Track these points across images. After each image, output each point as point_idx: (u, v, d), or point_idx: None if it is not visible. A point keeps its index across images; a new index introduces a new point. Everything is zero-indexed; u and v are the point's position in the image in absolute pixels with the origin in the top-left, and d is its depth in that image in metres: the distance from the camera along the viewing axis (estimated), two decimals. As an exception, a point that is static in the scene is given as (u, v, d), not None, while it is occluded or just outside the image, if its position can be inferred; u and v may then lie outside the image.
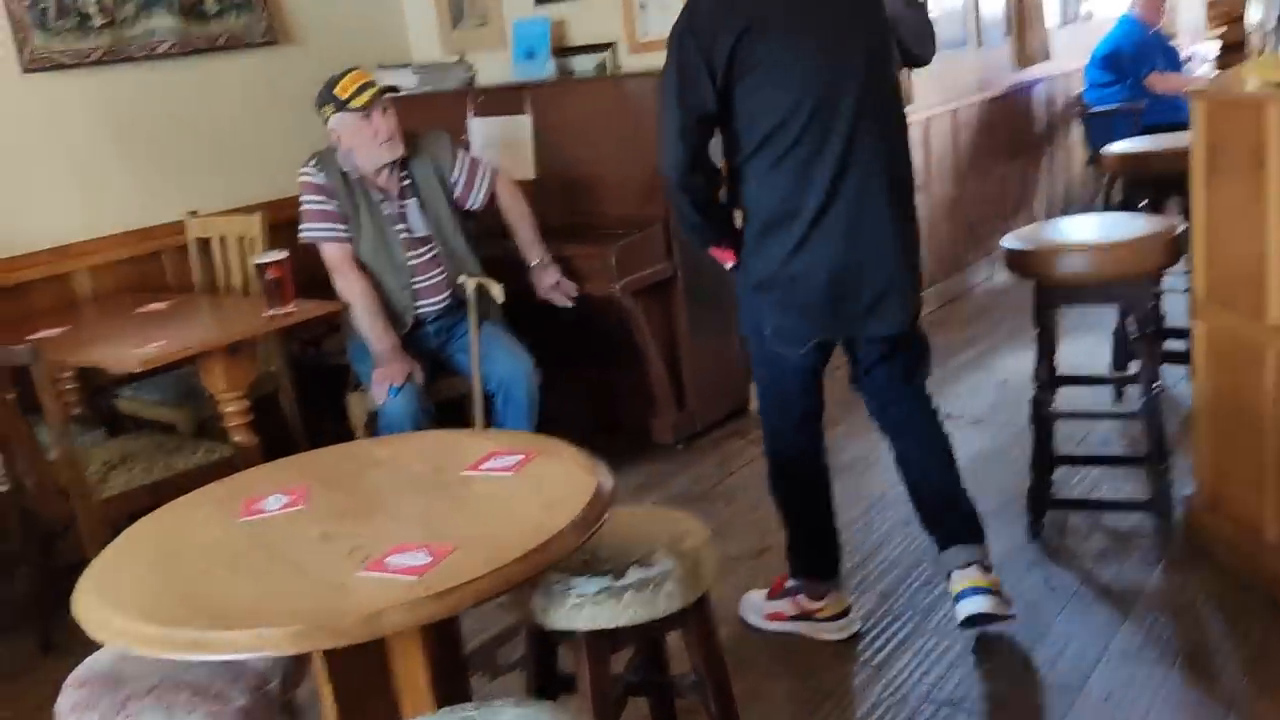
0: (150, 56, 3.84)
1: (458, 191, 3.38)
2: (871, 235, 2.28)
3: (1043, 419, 2.88)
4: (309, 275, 3.36)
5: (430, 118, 4.21)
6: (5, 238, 3.56)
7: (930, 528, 2.62)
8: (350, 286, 3.25)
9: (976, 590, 2.49)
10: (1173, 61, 5.81)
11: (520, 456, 1.84)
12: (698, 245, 2.49)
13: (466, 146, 4.13)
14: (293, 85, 4.20)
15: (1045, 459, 2.96)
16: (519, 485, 1.74)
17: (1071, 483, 3.27)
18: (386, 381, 3.15)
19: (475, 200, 3.40)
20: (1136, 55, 5.63)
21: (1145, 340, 2.77)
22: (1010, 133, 5.88)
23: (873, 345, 2.46)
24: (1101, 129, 5.80)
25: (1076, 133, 6.45)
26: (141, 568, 1.61)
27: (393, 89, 3.33)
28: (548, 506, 1.62)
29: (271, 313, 3.08)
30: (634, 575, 1.83)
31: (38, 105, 3.60)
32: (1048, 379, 2.86)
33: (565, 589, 1.82)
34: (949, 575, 2.56)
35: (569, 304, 3.45)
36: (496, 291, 3.29)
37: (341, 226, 3.26)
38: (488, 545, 1.50)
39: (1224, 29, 8.52)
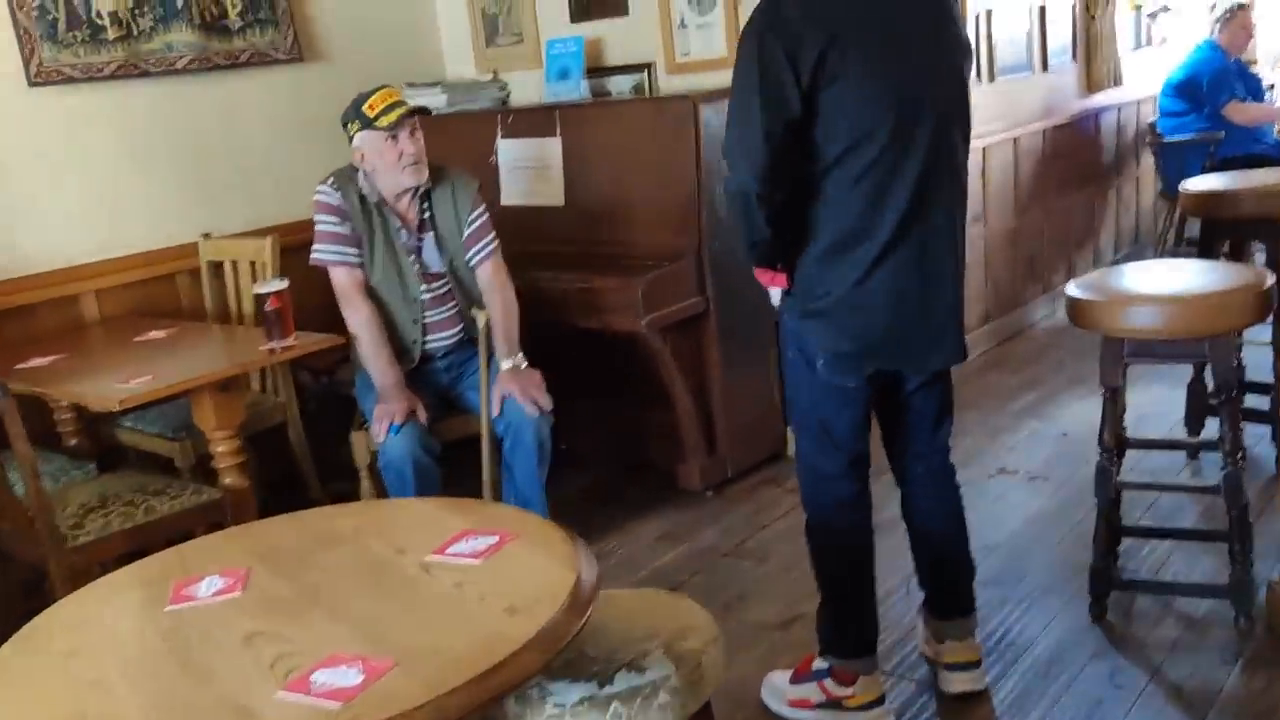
0: (168, 72, 3.68)
1: (465, 236, 3.17)
2: (938, 262, 2.17)
3: (1109, 489, 2.56)
4: (322, 300, 3.17)
5: (458, 138, 4.02)
6: (10, 258, 3.41)
7: (931, 588, 2.52)
8: (357, 315, 3.06)
9: (971, 665, 2.44)
10: (1254, 91, 5.43)
11: (494, 539, 1.60)
12: (752, 263, 2.27)
13: (496, 169, 3.95)
14: (318, 104, 4.04)
15: (1111, 533, 2.65)
16: (485, 578, 1.49)
17: (1139, 557, 2.95)
18: (386, 419, 2.94)
19: (471, 259, 3.17)
20: (1215, 83, 5.27)
21: (1227, 405, 2.45)
22: (1075, 162, 5.54)
23: (916, 379, 2.34)
24: (1175, 160, 5.44)
25: (1147, 164, 6.09)
26: (40, 669, 1.39)
27: (423, 110, 3.13)
28: (512, 611, 1.37)
29: (270, 346, 2.88)
30: (623, 682, 1.58)
31: (45, 120, 3.46)
32: (1115, 445, 2.55)
33: (542, 695, 1.57)
34: (940, 639, 2.48)
35: (537, 414, 2.98)
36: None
37: (354, 251, 3.07)
38: (432, 662, 1.26)
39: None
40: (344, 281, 3.07)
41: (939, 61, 2.14)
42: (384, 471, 3.01)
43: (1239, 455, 2.49)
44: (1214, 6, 5.50)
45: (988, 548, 3.09)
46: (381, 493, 3.17)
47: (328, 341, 2.99)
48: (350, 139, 3.03)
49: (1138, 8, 6.03)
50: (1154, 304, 2.35)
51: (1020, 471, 3.60)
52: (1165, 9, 6.26)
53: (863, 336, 2.18)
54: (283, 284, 2.93)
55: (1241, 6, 5.39)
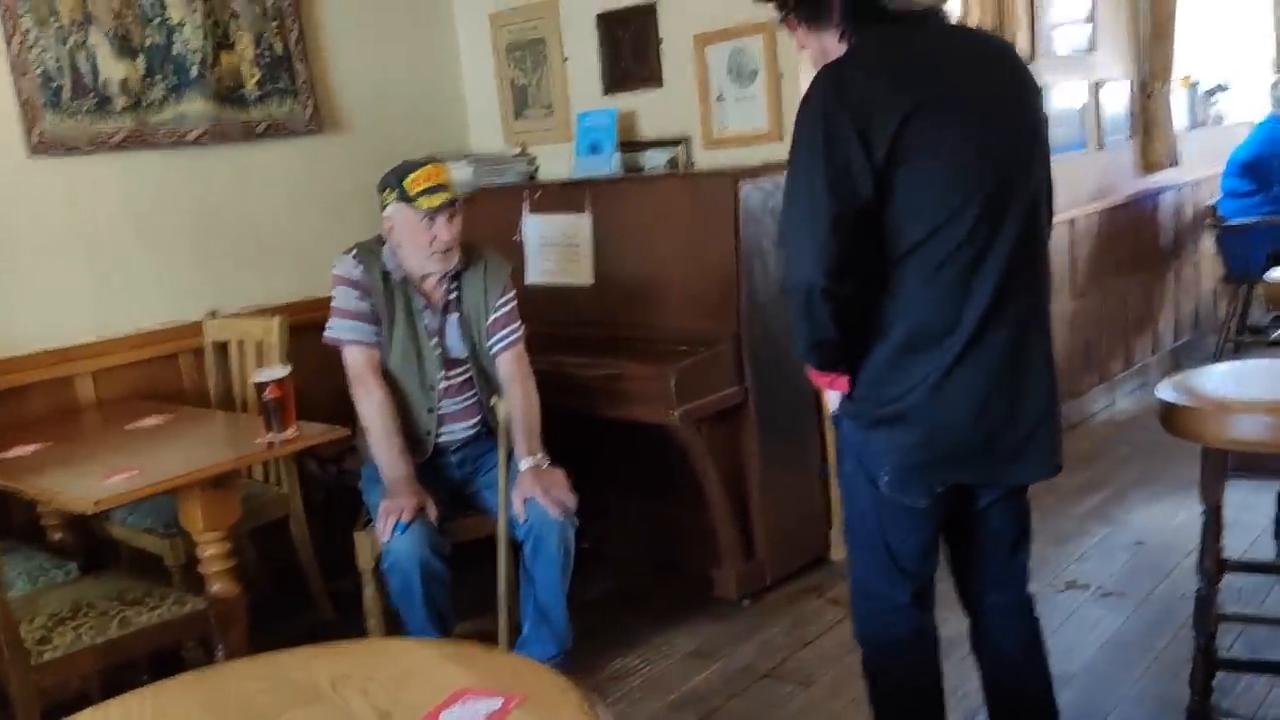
0: (179, 143, 3.49)
1: (490, 321, 2.94)
2: (1029, 358, 1.90)
3: (1209, 622, 2.24)
4: (333, 385, 2.93)
5: (483, 214, 3.81)
6: (2, 336, 3.20)
7: None
8: (370, 398, 2.82)
9: None
10: (1326, 171, 5.15)
11: (497, 703, 1.31)
12: (815, 365, 1.97)
13: (521, 246, 3.73)
14: (337, 176, 3.86)
15: (1209, 669, 2.31)
16: (483, 762, 1.20)
17: (1234, 694, 2.59)
18: (393, 515, 2.67)
19: (494, 346, 2.93)
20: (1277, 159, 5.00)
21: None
22: (1133, 245, 5.26)
23: (991, 494, 2.03)
24: (1238, 245, 5.17)
25: (1206, 247, 5.80)
26: None
27: (467, 197, 2.91)
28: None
29: (269, 439, 2.64)
30: None
31: (46, 191, 3.27)
32: (1216, 571, 2.23)
33: None
34: None
35: (561, 516, 2.73)
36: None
37: (372, 329, 2.84)
38: None
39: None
40: (359, 362, 2.84)
41: (1026, 133, 1.89)
42: (388, 574, 2.75)
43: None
44: (1277, 84, 5.24)
45: (1062, 678, 2.72)
46: (386, 599, 2.89)
47: (332, 433, 2.74)
48: (383, 206, 2.83)
49: (1193, 86, 5.78)
50: (1265, 413, 2.05)
51: (1092, 586, 3.26)
52: (1222, 88, 6.02)
53: (938, 446, 1.88)
54: (284, 371, 2.69)
55: (1308, 81, 5.16)
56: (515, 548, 2.83)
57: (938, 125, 1.76)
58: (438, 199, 2.76)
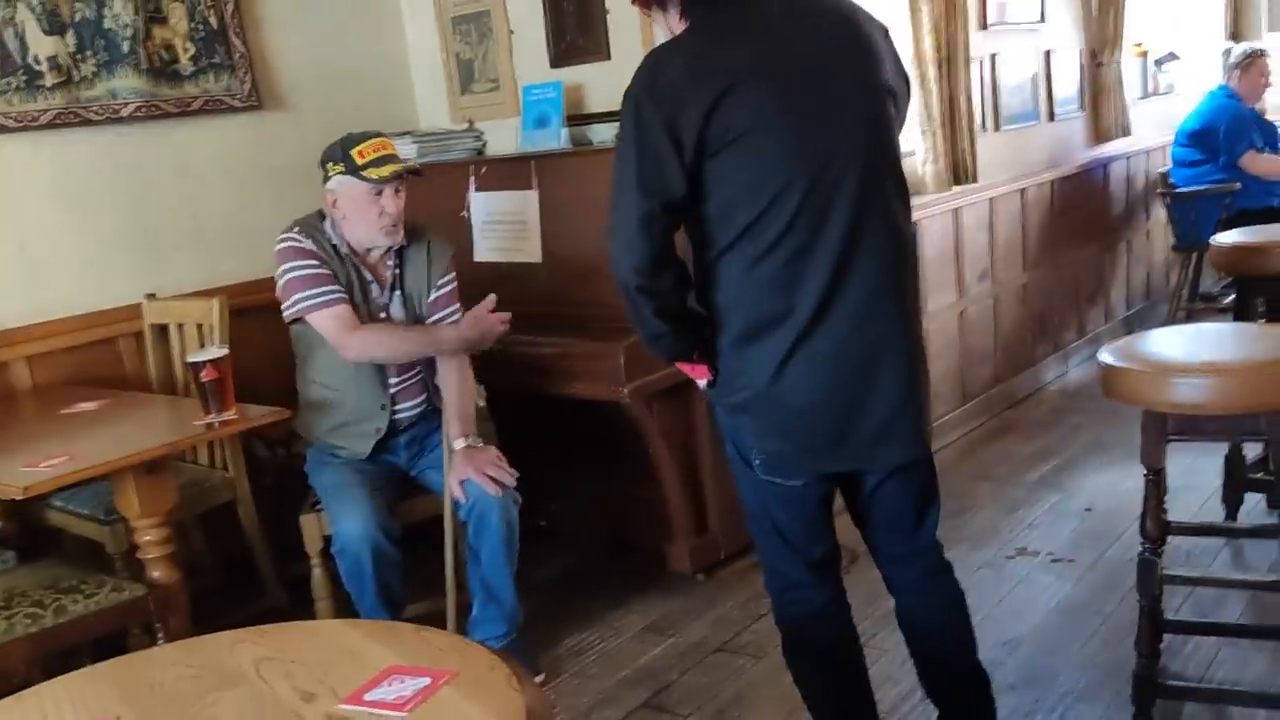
0: (112, 120, 3.40)
1: (430, 299, 2.91)
2: (878, 342, 1.82)
3: (1153, 585, 2.24)
4: (278, 365, 2.90)
5: (428, 191, 3.73)
6: (-69, 322, 3.11)
7: (941, 706, 2.16)
8: (368, 336, 2.73)
9: None
10: (1271, 141, 5.18)
11: (426, 680, 1.28)
12: (665, 358, 1.97)
13: (468, 224, 3.67)
14: (277, 154, 3.77)
15: (1154, 632, 2.32)
16: (403, 744, 1.17)
17: (1183, 655, 2.62)
18: (499, 322, 2.78)
19: (432, 323, 2.90)
20: (1233, 131, 5.02)
21: (1288, 488, 2.14)
22: (1084, 214, 5.28)
23: (879, 473, 1.97)
24: (1188, 213, 5.20)
25: (1158, 216, 5.84)
26: None
27: (415, 171, 2.86)
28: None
29: (208, 420, 2.57)
30: None
31: (-26, 173, 3.17)
32: (1158, 535, 2.23)
33: None
34: None
35: (499, 493, 2.70)
36: (476, 394, 2.78)
37: (339, 288, 2.75)
38: None
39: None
40: (344, 317, 2.71)
41: (864, 105, 1.80)
42: (339, 557, 2.71)
43: (1302, 546, 2.18)
44: (1228, 52, 5.26)
45: (1011, 643, 2.77)
46: (335, 581, 2.85)
47: (274, 415, 2.67)
48: (326, 179, 2.77)
49: (1144, 55, 5.81)
50: (1205, 375, 2.05)
51: (1042, 553, 3.28)
52: (1173, 56, 6.05)
53: (792, 434, 1.85)
54: (221, 351, 2.63)
55: (1259, 52, 5.17)
56: (463, 526, 2.80)
57: (754, 106, 1.69)
58: (387, 169, 2.72)
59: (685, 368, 1.97)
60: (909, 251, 1.92)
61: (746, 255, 1.76)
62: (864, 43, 1.83)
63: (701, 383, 1.97)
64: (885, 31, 1.92)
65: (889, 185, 1.84)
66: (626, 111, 1.74)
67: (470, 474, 2.70)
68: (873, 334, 1.82)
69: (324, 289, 2.73)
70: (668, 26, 1.87)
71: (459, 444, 2.75)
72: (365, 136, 2.77)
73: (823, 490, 1.96)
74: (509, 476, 2.73)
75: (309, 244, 2.76)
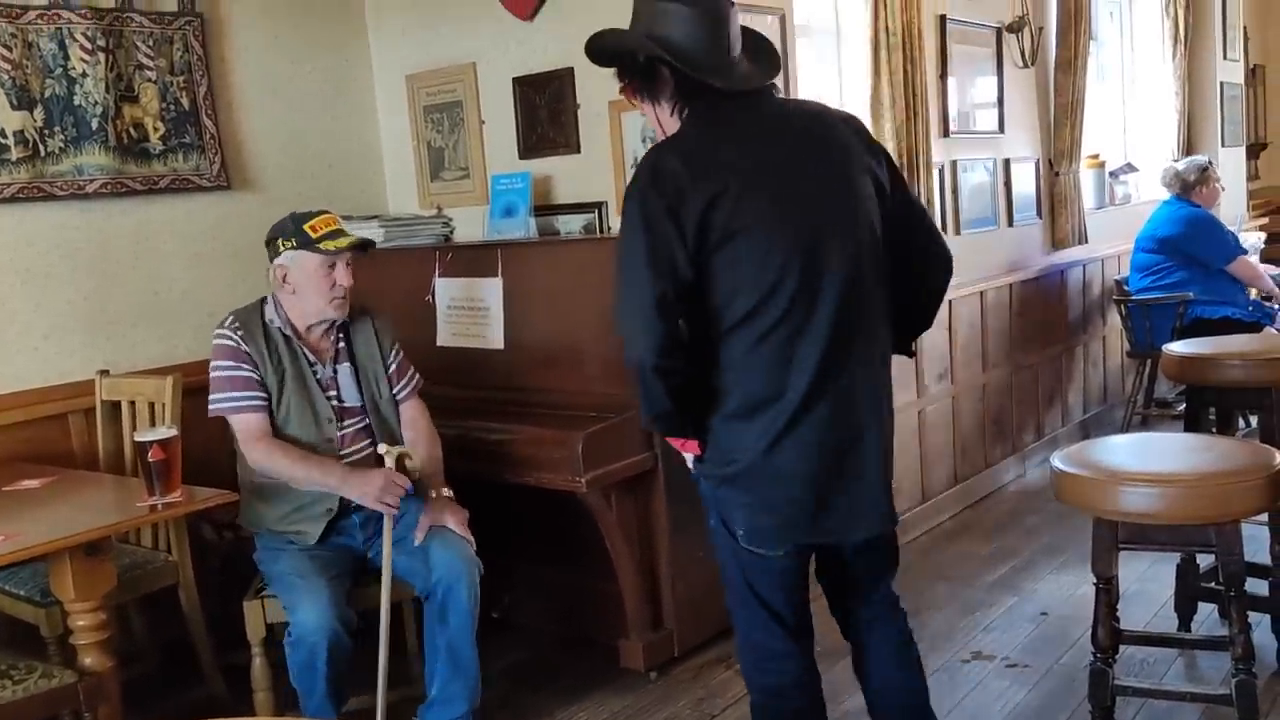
0: (76, 195, 3.39)
1: (389, 371, 2.98)
2: (858, 424, 2.00)
3: (1104, 695, 2.23)
4: (230, 448, 2.86)
5: (394, 275, 3.76)
6: (-124, 392, 3.05)
7: None
8: (270, 451, 2.75)
9: None
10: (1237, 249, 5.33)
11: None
12: (661, 433, 2.17)
13: (433, 308, 3.68)
14: (243, 234, 3.77)
15: (1107, 745, 2.30)
16: None
17: (1137, 765, 2.59)
18: (396, 491, 2.69)
19: (399, 392, 2.98)
20: (1218, 238, 5.17)
21: (1236, 601, 2.15)
22: (1043, 318, 5.37)
23: (852, 545, 2.15)
24: (1143, 320, 5.29)
25: (1114, 322, 5.95)
26: None
27: (368, 244, 2.91)
28: None
29: (151, 502, 2.52)
30: None
31: (-69, 243, 3.14)
32: (1109, 644, 2.22)
33: None
34: None
35: (471, 549, 2.78)
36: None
37: (256, 395, 2.78)
38: None
39: (1266, 219, 8.16)
40: (253, 426, 2.77)
41: (847, 203, 1.97)
42: (293, 648, 2.64)
43: (1250, 661, 2.17)
44: (1172, 170, 5.39)
45: (966, 751, 2.72)
46: (277, 671, 2.77)
47: (221, 498, 2.63)
48: (275, 254, 2.81)
49: (1101, 165, 5.98)
50: (1154, 484, 2.07)
51: (998, 657, 3.25)
52: (1131, 168, 6.23)
53: (778, 509, 1.99)
54: (170, 432, 2.59)
55: (1210, 163, 5.35)
56: (415, 612, 2.76)
57: (747, 206, 1.86)
58: (343, 242, 2.79)
59: (677, 443, 2.09)
60: (889, 337, 2.09)
61: (748, 337, 1.91)
62: (847, 147, 2.01)
63: (689, 457, 2.09)
64: (846, 118, 2.09)
65: (872, 276, 2.00)
66: (631, 203, 1.89)
67: (448, 519, 2.77)
68: (857, 416, 1.98)
69: (242, 394, 2.77)
70: (657, 118, 2.03)
71: (443, 491, 2.85)
72: (314, 213, 2.84)
73: (801, 560, 2.10)
74: (471, 540, 2.80)
75: (235, 340, 2.79)
